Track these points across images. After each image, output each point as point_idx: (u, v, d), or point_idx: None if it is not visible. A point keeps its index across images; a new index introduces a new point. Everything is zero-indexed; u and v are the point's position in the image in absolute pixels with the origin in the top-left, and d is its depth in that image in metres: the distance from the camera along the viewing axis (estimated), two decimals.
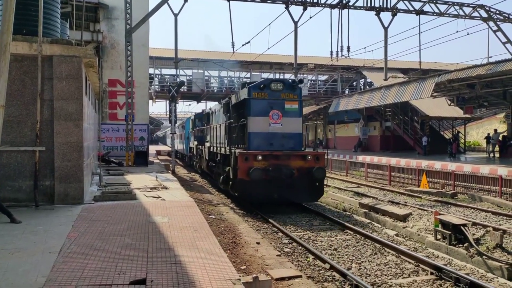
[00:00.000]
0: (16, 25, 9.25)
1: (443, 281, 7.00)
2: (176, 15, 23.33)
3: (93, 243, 6.11)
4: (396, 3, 27.74)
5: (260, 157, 11.93)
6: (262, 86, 12.63)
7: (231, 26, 32.32)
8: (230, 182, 13.00)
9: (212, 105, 27.88)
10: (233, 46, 27.66)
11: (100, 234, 6.65)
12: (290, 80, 13.43)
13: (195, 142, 22.12)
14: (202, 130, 21.24)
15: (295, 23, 27.81)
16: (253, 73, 40.52)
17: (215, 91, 40.41)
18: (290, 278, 6.47)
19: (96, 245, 6.01)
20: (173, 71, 37.18)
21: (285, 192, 12.07)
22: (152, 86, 36.00)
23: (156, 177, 14.56)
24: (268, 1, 26.65)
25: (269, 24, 27.76)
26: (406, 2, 28.11)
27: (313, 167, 12.20)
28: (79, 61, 9.29)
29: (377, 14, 28.02)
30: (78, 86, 9.26)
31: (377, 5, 27.78)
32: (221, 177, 14.24)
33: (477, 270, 8.00)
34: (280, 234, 9.97)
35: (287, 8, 26.89)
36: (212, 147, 16.61)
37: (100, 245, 6.01)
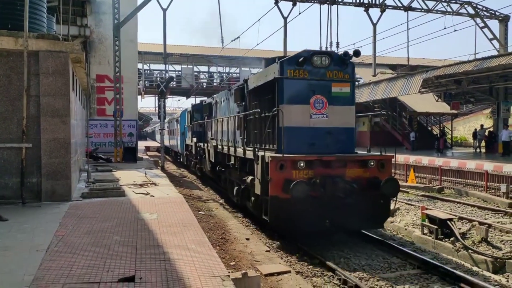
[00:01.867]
0: (1, 20, 9.15)
1: (429, 275, 7.11)
2: (165, 10, 23.15)
3: (81, 241, 6.08)
4: (385, 0, 27.90)
5: (302, 164, 8.07)
6: (301, 60, 8.70)
7: (220, 21, 32.13)
8: (253, 198, 9.32)
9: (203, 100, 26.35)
10: (222, 42, 27.67)
11: (88, 232, 6.61)
12: (339, 53, 9.41)
13: (194, 139, 18.37)
14: (202, 125, 17.86)
15: (285, 18, 27.85)
16: (242, 68, 40.44)
17: (205, 86, 40.25)
18: (279, 273, 6.51)
19: (84, 243, 5.98)
20: (162, 67, 36.91)
21: (341, 217, 8.17)
22: (141, 82, 35.71)
23: (145, 173, 14.49)
24: None
25: (259, 20, 27.67)
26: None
27: (375, 177, 8.48)
28: (66, 57, 9.18)
29: (366, 10, 28.17)
30: (65, 81, 9.15)
31: (365, 1, 27.93)
32: (236, 188, 10.95)
33: (463, 264, 8.15)
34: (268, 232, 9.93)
35: (276, 3, 26.90)
36: (219, 147, 12.77)
37: (88, 243, 5.98)
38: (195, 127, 18.94)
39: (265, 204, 8.40)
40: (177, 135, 26.56)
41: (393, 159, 8.91)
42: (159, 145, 26.08)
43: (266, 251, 7.82)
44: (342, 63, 9.11)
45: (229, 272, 5.11)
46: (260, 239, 8.91)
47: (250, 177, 9.27)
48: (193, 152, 18.76)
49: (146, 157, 25.35)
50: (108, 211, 8.24)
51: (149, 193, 10.45)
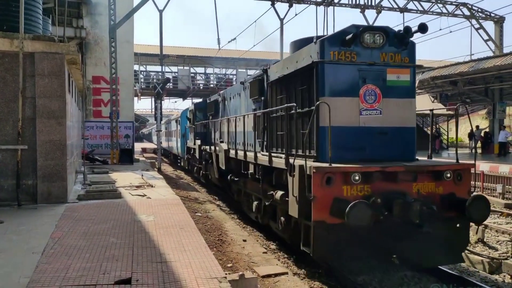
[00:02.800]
0: None
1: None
2: (161, 11, 23.16)
3: (77, 243, 6.05)
4: (381, 1, 28.01)
5: (358, 177, 6.09)
6: (348, 38, 6.70)
7: (217, 22, 32.23)
8: (282, 219, 7.45)
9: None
10: (219, 43, 27.70)
11: (84, 234, 6.58)
12: (397, 30, 7.14)
13: (198, 141, 16.15)
14: (206, 125, 16.20)
15: (281, 20, 27.88)
16: (239, 70, 40.46)
17: (201, 88, 40.24)
18: (276, 275, 6.49)
19: (80, 245, 5.95)
20: (158, 68, 36.89)
21: (413, 250, 6.24)
22: (137, 83, 35.67)
23: (142, 175, 14.45)
24: None
25: (255, 21, 27.70)
26: (391, 0, 28.40)
27: (451, 193, 6.57)
28: (62, 58, 9.15)
29: (362, 12, 28.23)
30: (61, 83, 9.12)
31: (362, 2, 28.01)
32: (255, 203, 9.10)
33: (460, 265, 8.17)
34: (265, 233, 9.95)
35: (273, 5, 26.94)
36: (231, 151, 10.78)
37: (84, 245, 5.95)
38: (198, 127, 17.05)
39: (305, 230, 6.40)
40: (177, 136, 24.61)
41: (472, 168, 6.90)
42: (155, 146, 26.03)
43: (263, 252, 7.80)
44: (400, 42, 7.02)
45: (226, 274, 5.10)
46: (257, 241, 8.89)
47: (280, 193, 7.25)
48: (197, 156, 16.37)
49: (142, 158, 25.29)
50: (104, 213, 8.20)
51: (145, 195, 10.42)
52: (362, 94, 6.88)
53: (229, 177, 11.08)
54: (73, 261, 5.25)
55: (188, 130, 19.55)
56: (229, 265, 6.82)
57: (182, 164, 23.72)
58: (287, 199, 6.87)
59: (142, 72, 39.36)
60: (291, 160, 6.65)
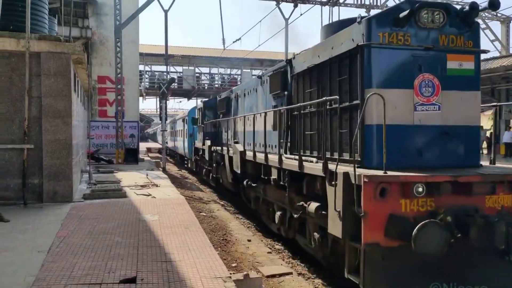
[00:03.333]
0: (3, 21, 9.17)
1: None
2: (166, 11, 23.21)
3: (83, 242, 6.07)
4: (386, 1, 27.90)
5: (421, 189, 4.92)
6: (403, 17, 5.57)
7: (222, 22, 32.27)
8: (316, 236, 6.19)
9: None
10: (223, 43, 27.71)
11: (90, 233, 6.60)
12: (459, 8, 6.03)
13: (208, 142, 14.67)
14: (215, 124, 15.05)
15: (286, 20, 27.86)
16: (244, 70, 40.49)
17: (206, 88, 40.30)
18: (281, 275, 6.49)
19: (86, 244, 5.97)
20: (163, 68, 37.01)
21: (488, 282, 4.93)
22: (142, 83, 35.78)
23: (147, 175, 14.49)
24: None
25: (260, 21, 27.69)
26: (396, 0, 28.27)
27: None
28: (68, 58, 9.19)
29: (367, 12, 28.08)
30: (67, 83, 9.16)
31: (367, 2, 27.92)
32: (279, 214, 7.92)
33: None
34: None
35: (278, 5, 26.91)
36: (248, 153, 9.44)
37: (89, 244, 5.97)
38: (207, 127, 15.91)
39: (351, 254, 5.10)
40: (184, 136, 23.35)
41: None
42: (160, 146, 26.10)
43: (268, 252, 7.80)
44: (463, 22, 5.84)
45: (230, 274, 5.10)
46: (262, 241, 8.88)
47: (314, 205, 5.96)
48: (206, 158, 15.04)
49: (147, 158, 25.38)
50: (109, 212, 8.23)
51: (150, 194, 10.45)
52: (417, 85, 5.67)
53: (245, 182, 9.71)
54: (78, 259, 5.27)
55: (196, 129, 18.49)
56: (233, 264, 6.82)
57: (189, 165, 22.50)
58: (324, 212, 5.67)
59: (147, 72, 39.48)
60: (331, 166, 5.38)
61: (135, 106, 25.33)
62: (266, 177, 8.33)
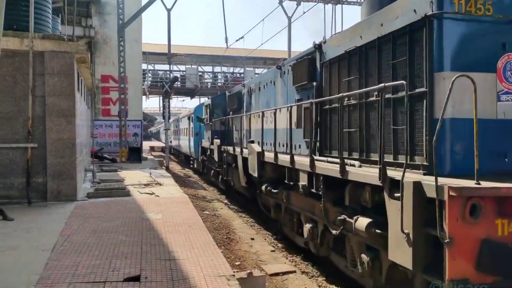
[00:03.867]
0: (7, 21, 9.15)
1: None
2: (169, 10, 23.23)
3: (87, 240, 6.09)
4: None
5: None
6: None
7: (225, 21, 32.32)
8: (365, 259, 4.98)
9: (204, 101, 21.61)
10: (226, 42, 27.70)
11: (94, 231, 6.62)
12: None
13: (217, 141, 13.51)
14: (225, 122, 13.85)
15: (289, 18, 27.81)
16: (247, 68, 40.47)
17: (209, 86, 40.31)
18: (284, 273, 6.49)
19: (90, 242, 5.98)
20: (166, 67, 37.04)
21: None
22: (145, 82, 35.84)
23: (150, 173, 14.52)
24: None
25: (263, 20, 27.66)
26: None
27: None
28: (71, 57, 9.21)
29: None
30: (70, 82, 9.19)
31: None
32: (308, 227, 6.72)
33: None
34: (274, 230, 9.96)
35: (280, 3, 26.87)
36: (267, 155, 8.35)
37: (93, 242, 5.99)
38: (216, 125, 14.71)
39: None
40: (189, 135, 22.03)
41: None
42: (163, 145, 26.12)
43: (271, 251, 7.80)
44: None
45: (234, 272, 5.10)
46: (265, 239, 8.88)
47: (365, 221, 4.70)
48: (215, 158, 13.68)
49: (150, 157, 25.43)
50: (113, 211, 8.25)
51: (154, 193, 10.46)
52: (501, 68, 4.43)
53: (263, 187, 8.54)
54: (82, 258, 5.28)
55: (203, 128, 17.26)
56: (237, 263, 6.83)
57: (195, 165, 21.30)
58: (379, 232, 4.49)
59: (150, 71, 39.54)
60: (392, 173, 4.30)
61: (138, 105, 25.37)
62: (291, 183, 7.06)
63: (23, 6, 9.30)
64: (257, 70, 39.95)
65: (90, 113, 19.11)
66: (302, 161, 6.52)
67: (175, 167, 25.00)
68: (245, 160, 9.77)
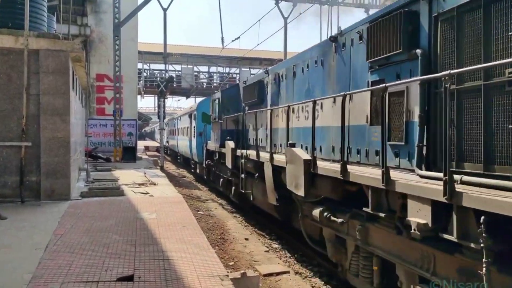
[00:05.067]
0: (2, 19, 9.16)
1: None
2: (165, 10, 23.20)
3: (80, 240, 6.07)
4: (385, 0, 27.90)
5: None
6: None
7: (221, 21, 32.25)
8: None
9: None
10: (222, 42, 27.71)
11: (87, 230, 6.60)
12: None
13: (230, 143, 10.85)
14: (238, 120, 11.46)
15: (285, 19, 27.86)
16: (242, 69, 40.48)
17: (205, 86, 40.28)
18: (278, 274, 6.52)
19: (83, 242, 5.97)
20: (162, 66, 36.94)
21: None
22: (141, 81, 35.74)
23: (145, 173, 14.49)
24: None
25: (259, 20, 27.68)
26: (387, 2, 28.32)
27: None
28: (66, 56, 9.18)
29: (367, 12, 28.14)
30: (65, 80, 9.16)
31: (366, 2, 27.97)
32: None
33: None
34: (268, 230, 9.99)
35: (277, 4, 26.92)
36: (331, 167, 5.53)
37: (87, 242, 5.98)
38: (226, 124, 12.31)
39: None
40: (190, 135, 19.68)
41: None
42: (158, 145, 26.08)
43: (265, 251, 7.83)
44: None
45: (228, 272, 5.11)
46: (259, 239, 8.91)
47: None
48: (228, 165, 10.94)
49: (145, 156, 25.37)
50: (107, 210, 8.24)
51: (148, 193, 10.45)
52: None
53: (316, 211, 6.00)
54: (75, 257, 5.27)
55: (209, 127, 14.93)
56: (231, 263, 6.85)
57: (198, 170, 18.44)
58: None
59: (146, 70, 39.44)
60: None
61: (133, 104, 25.28)
62: (370, 211, 4.59)
63: (19, 4, 9.26)
64: (253, 71, 39.98)
65: (85, 112, 19.03)
66: (424, 183, 3.83)
67: (170, 167, 24.96)
68: (277, 170, 7.58)
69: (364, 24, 5.71)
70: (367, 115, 5.50)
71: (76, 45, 9.61)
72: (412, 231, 3.76)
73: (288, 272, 6.64)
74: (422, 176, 4.15)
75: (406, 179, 4.14)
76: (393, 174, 4.33)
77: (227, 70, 42.96)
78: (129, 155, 20.17)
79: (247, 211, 11.45)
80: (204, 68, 41.79)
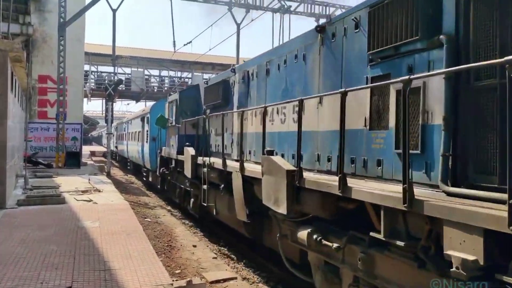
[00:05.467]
0: None
1: None
2: (114, 11, 22.57)
3: (14, 251, 5.71)
4: (335, 11, 28.92)
5: None
6: None
7: (173, 25, 31.89)
8: None
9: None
10: (174, 46, 27.39)
11: (23, 241, 6.22)
12: None
13: (190, 150, 9.55)
14: (198, 124, 10.27)
15: (238, 25, 28.04)
16: (195, 73, 40.16)
17: (155, 90, 39.51)
18: (225, 280, 6.46)
19: (18, 253, 5.62)
20: (111, 69, 35.83)
21: None
22: (88, 84, 34.42)
23: (89, 180, 13.93)
24: (212, 2, 26.65)
25: (211, 25, 27.66)
26: (344, 11, 29.41)
27: None
28: (5, 55, 8.68)
29: (317, 21, 28.96)
30: (3, 82, 8.64)
31: (317, 11, 28.81)
32: None
33: None
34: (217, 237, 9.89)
35: (230, 9, 27.05)
36: (300, 176, 4.73)
37: (22, 253, 5.63)
38: (185, 128, 10.92)
39: None
40: (143, 140, 18.28)
41: None
42: (106, 150, 25.20)
43: (213, 258, 7.75)
44: None
45: (173, 281, 5.02)
46: (208, 246, 8.81)
47: None
48: (186, 174, 9.72)
49: (91, 162, 24.42)
50: (45, 219, 7.81)
51: (91, 200, 10.04)
52: None
53: (308, 233, 4.77)
54: (8, 270, 4.94)
55: (164, 131, 13.70)
56: (177, 271, 6.71)
57: (150, 179, 16.99)
58: None
59: (93, 73, 38.05)
60: None
61: (79, 107, 24.30)
62: (383, 238, 3.63)
63: None
64: (206, 75, 39.78)
65: (25, 115, 18.00)
66: (443, 202, 3.10)
67: (118, 173, 24.17)
68: (247, 181, 6.47)
69: (363, 9, 4.80)
70: (365, 118, 4.59)
71: (16, 45, 9.11)
72: (454, 269, 2.82)
73: (235, 278, 6.60)
74: (449, 194, 3.32)
75: (434, 198, 3.20)
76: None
77: (179, 74, 42.43)
78: (72, 160, 19.29)
79: (210, 227, 10.29)
80: (155, 72, 41.02)
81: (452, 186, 3.37)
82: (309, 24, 28.75)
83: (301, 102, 4.98)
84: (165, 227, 10.06)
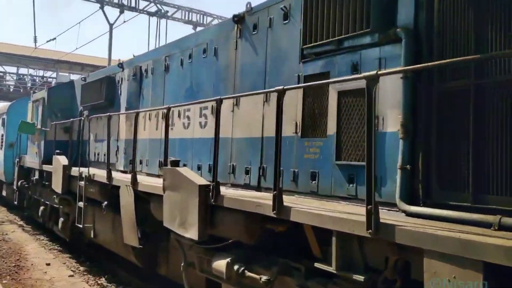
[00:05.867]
0: None
1: None
2: None
3: None
4: (212, 20, 29.50)
5: None
6: None
7: (34, 18, 28.86)
8: None
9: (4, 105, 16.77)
10: (35, 41, 24.72)
11: None
12: None
13: (61, 159, 8.04)
14: (72, 128, 9.03)
15: (111, 25, 26.57)
16: (60, 73, 36.74)
17: (12, 90, 35.09)
18: None
19: None
20: None
21: None
22: None
23: None
24: None
25: (79, 23, 25.65)
26: (220, 20, 30.10)
27: None
28: None
29: (194, 28, 29.13)
30: None
31: (194, 19, 28.95)
32: None
33: None
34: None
35: (101, 8, 25.51)
36: (217, 192, 3.92)
37: None
38: (58, 132, 9.19)
39: None
40: None
41: None
42: None
43: (70, 275, 7.13)
44: None
45: None
46: (65, 263, 8.06)
47: None
48: (55, 188, 8.27)
49: None
50: None
51: None
52: None
53: (227, 264, 3.84)
54: None
55: (25, 137, 11.78)
56: None
57: (4, 193, 14.42)
58: None
59: None
60: None
61: None
62: (334, 271, 3.04)
63: None
64: (73, 76, 36.75)
65: None
66: (422, 226, 2.57)
67: None
68: (140, 198, 5.40)
69: None
70: (296, 123, 3.95)
71: None
72: None
73: None
74: (410, 215, 2.86)
75: (398, 220, 2.68)
76: (353, 209, 3.07)
77: (41, 73, 38.44)
78: None
79: (88, 252, 8.70)
80: (12, 69, 36.47)
81: (411, 204, 2.90)
82: (188, 30, 28.72)
83: (220, 102, 4.09)
84: (14, 244, 8.95)
